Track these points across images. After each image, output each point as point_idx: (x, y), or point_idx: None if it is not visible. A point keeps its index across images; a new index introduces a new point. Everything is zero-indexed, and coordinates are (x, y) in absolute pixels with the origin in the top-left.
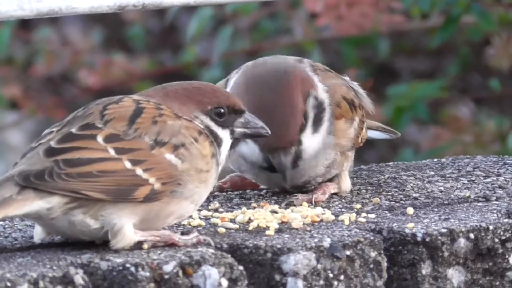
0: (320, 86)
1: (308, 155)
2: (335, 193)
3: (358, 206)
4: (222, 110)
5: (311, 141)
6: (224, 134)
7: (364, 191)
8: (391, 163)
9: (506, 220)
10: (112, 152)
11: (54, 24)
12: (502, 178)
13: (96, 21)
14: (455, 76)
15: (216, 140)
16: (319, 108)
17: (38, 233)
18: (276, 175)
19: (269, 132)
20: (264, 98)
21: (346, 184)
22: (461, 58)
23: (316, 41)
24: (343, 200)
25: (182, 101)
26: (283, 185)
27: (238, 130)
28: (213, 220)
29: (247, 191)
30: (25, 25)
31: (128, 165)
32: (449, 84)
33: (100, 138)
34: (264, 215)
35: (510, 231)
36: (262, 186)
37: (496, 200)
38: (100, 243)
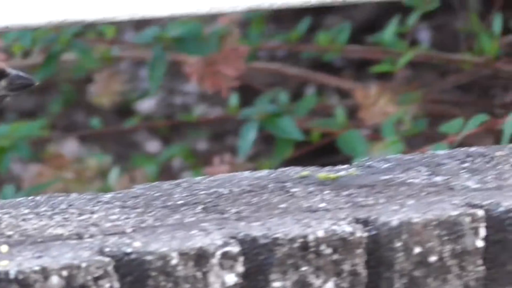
0: None
1: None
2: None
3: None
4: None
5: None
6: None
7: None
8: None
9: (99, 257)
10: None
11: None
12: (96, 216)
13: None
14: (58, 114)
15: None
16: None
17: None
18: None
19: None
20: None
21: None
22: (64, 96)
23: None
24: None
25: None
26: None
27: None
28: None
29: None
30: None
31: None
32: (53, 122)
33: None
34: None
35: (102, 269)
36: None
37: (90, 237)
38: None
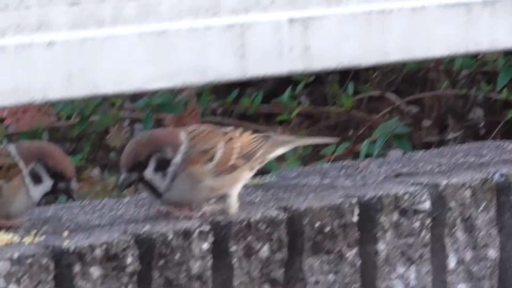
0: None
1: None
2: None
3: (34, 231)
4: None
5: None
6: None
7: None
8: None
9: (123, 237)
10: None
11: None
12: (120, 211)
13: None
14: (88, 152)
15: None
16: None
17: None
18: None
19: None
20: None
21: None
22: (91, 141)
23: (6, 135)
24: (24, 229)
25: None
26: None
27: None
28: None
29: None
30: None
31: None
32: (86, 157)
33: None
34: None
35: (127, 243)
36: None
37: (120, 221)
38: None
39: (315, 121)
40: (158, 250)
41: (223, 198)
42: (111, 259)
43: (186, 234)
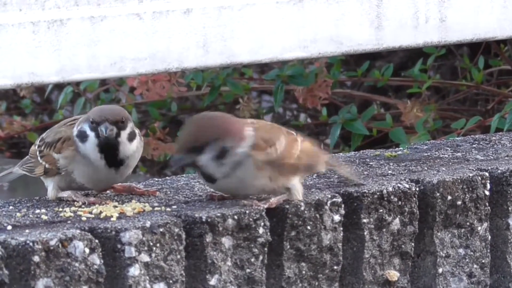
0: None
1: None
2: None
3: (166, 200)
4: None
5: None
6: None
7: (164, 193)
8: None
9: (256, 207)
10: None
11: None
12: None
13: (1, 98)
14: None
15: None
16: None
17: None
18: None
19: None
20: None
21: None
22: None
23: (134, 104)
24: (156, 198)
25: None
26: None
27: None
28: (78, 213)
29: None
30: None
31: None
32: None
33: None
34: (109, 209)
35: (259, 214)
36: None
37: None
38: None
39: (444, 94)
40: (290, 221)
41: (285, 189)
42: (243, 229)
43: (318, 206)
